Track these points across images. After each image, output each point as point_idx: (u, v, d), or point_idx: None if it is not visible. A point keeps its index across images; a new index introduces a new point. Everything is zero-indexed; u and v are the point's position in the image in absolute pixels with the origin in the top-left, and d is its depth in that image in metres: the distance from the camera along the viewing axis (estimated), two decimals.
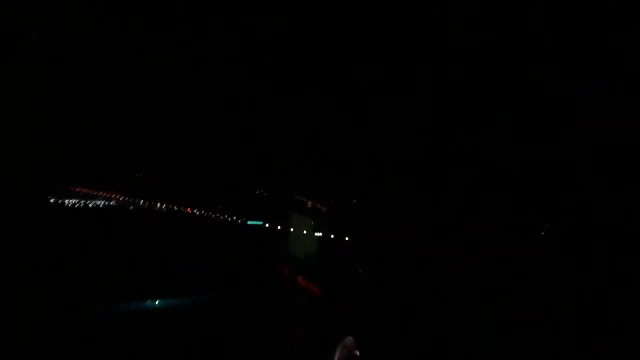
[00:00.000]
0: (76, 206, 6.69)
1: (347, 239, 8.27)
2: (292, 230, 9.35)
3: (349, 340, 5.21)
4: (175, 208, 7.58)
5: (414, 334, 6.15)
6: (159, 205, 7.31)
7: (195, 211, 8.02)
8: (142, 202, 7.06)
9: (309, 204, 7.82)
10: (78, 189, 6.10)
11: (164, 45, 4.79)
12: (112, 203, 7.07)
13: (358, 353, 5.04)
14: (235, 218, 8.76)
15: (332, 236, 8.85)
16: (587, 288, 5.81)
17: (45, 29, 4.44)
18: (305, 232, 9.21)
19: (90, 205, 6.88)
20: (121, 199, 6.76)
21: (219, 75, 5.15)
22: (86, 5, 4.40)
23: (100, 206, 7.00)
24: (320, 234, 8.91)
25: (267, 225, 9.25)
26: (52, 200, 6.41)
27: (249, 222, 9.42)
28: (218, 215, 8.29)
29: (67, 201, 6.63)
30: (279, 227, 9.28)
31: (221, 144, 5.78)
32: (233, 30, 4.70)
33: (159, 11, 4.51)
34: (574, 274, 5.86)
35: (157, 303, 5.91)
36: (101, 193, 6.48)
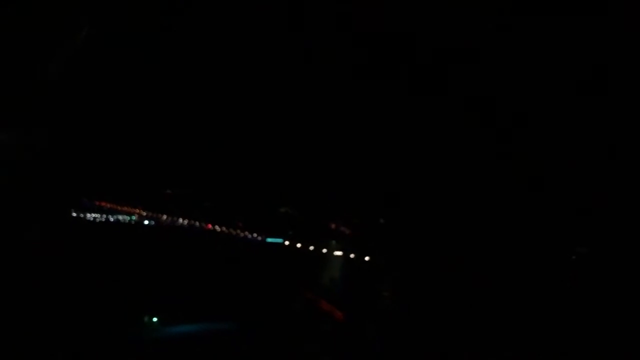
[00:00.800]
0: (95, 220, 6.75)
1: (371, 260, 8.12)
2: (315, 250, 9.26)
3: None
4: (197, 224, 7.58)
5: (439, 357, 5.98)
6: (180, 220, 7.32)
7: (217, 227, 8.01)
8: (163, 217, 7.08)
9: (332, 225, 7.74)
10: (102, 204, 6.15)
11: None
12: (131, 218, 7.11)
13: None
14: (254, 235, 8.71)
15: (356, 257, 8.70)
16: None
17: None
18: (328, 253, 9.12)
19: (108, 220, 6.93)
20: (144, 214, 6.79)
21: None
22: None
23: (117, 221, 7.05)
24: (344, 255, 8.77)
25: (289, 244, 9.17)
26: (74, 214, 6.48)
27: (268, 239, 9.35)
28: (238, 231, 8.26)
29: (88, 215, 6.69)
30: (302, 247, 9.20)
31: (253, 160, 5.79)
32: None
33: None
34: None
35: (171, 328, 5.92)
36: (124, 208, 6.52)
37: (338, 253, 9.58)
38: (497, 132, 5.80)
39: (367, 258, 8.94)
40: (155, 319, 5.79)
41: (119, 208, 6.61)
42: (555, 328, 5.89)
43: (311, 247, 9.79)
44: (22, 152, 4.98)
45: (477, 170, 6.28)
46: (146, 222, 7.43)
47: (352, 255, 9.30)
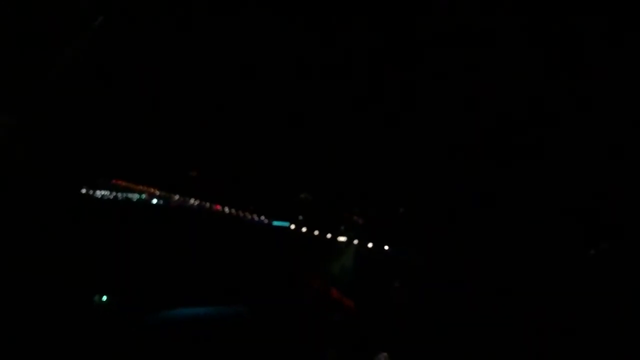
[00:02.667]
0: (107, 198, 6.55)
1: (384, 250, 8.05)
2: (320, 236, 9.17)
3: (383, 356, 5.02)
4: (207, 204, 7.39)
5: (449, 351, 5.94)
6: (191, 200, 7.13)
7: (225, 209, 7.84)
8: (175, 197, 6.89)
9: (346, 213, 7.63)
10: (117, 182, 5.94)
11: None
12: (140, 197, 6.90)
13: None
14: (261, 218, 8.57)
15: (368, 247, 8.62)
16: None
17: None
18: (335, 239, 9.03)
19: (120, 198, 6.72)
20: (157, 193, 6.58)
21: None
22: None
23: (129, 199, 6.83)
24: (356, 245, 8.68)
25: (295, 229, 9.05)
26: (89, 192, 6.26)
27: (274, 223, 9.23)
28: (246, 214, 8.10)
29: (97, 192, 6.47)
30: (307, 232, 9.09)
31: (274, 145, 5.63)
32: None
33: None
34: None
35: (187, 310, 5.79)
36: (139, 187, 6.30)
37: (342, 239, 9.53)
38: (517, 121, 5.70)
39: (375, 246, 8.89)
40: (104, 298, 5.64)
41: (134, 187, 6.39)
42: (574, 324, 5.88)
43: (316, 232, 9.72)
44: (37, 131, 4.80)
45: (498, 160, 6.18)
46: (154, 200, 7.21)
47: (357, 242, 9.25)
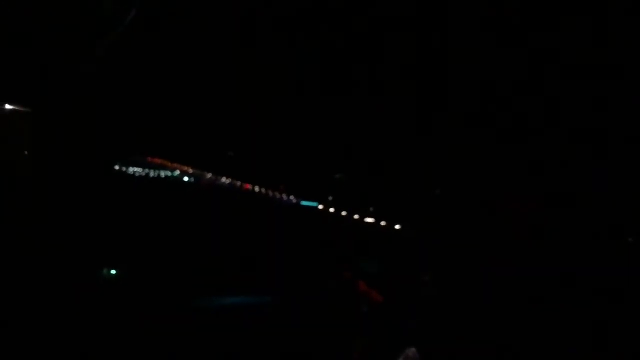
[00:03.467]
0: (135, 175, 6.56)
1: (415, 238, 7.88)
2: (348, 217, 9.06)
3: (412, 351, 4.89)
4: (238, 183, 7.34)
5: (480, 347, 5.79)
6: (223, 179, 7.08)
7: (255, 188, 7.78)
8: (207, 175, 6.85)
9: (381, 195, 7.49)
10: (154, 160, 5.91)
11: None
12: (172, 174, 6.88)
13: None
14: (290, 197, 8.50)
15: (397, 235, 8.45)
16: None
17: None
18: (362, 220, 8.90)
19: (152, 175, 6.72)
20: (190, 172, 6.55)
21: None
22: None
23: (159, 176, 6.83)
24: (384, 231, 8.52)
25: (323, 209, 8.96)
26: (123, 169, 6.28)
27: (303, 203, 9.16)
28: (275, 193, 8.04)
29: (130, 169, 6.48)
30: (336, 213, 9.00)
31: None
32: None
33: None
34: None
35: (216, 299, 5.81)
36: (174, 165, 6.27)
37: (370, 220, 9.41)
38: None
39: (404, 231, 8.73)
40: (113, 272, 5.64)
41: (168, 165, 6.37)
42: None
43: (344, 213, 9.63)
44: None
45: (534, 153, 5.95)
46: (186, 178, 7.19)
47: (384, 224, 9.12)
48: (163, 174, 6.78)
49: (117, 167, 6.29)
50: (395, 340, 5.31)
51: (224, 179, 7.13)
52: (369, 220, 9.40)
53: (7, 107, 4.87)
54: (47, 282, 4.84)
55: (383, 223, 8.98)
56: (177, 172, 6.80)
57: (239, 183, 7.39)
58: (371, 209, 8.54)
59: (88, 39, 4.44)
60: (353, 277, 6.33)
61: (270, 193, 8.05)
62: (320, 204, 9.11)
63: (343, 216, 9.26)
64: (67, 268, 5.06)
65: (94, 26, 4.37)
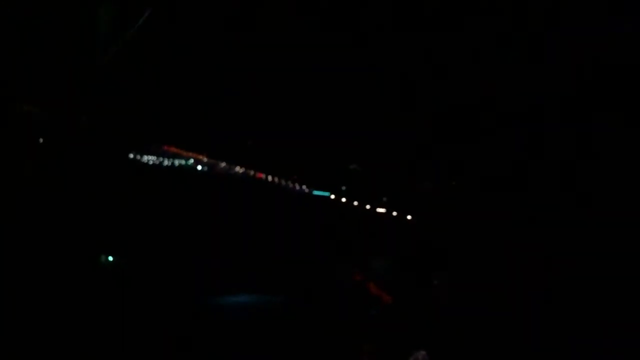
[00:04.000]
0: (148, 162, 6.53)
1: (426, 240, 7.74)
2: (359, 206, 8.99)
3: (421, 354, 4.83)
4: (251, 172, 7.29)
5: (488, 352, 5.69)
6: (237, 168, 7.03)
7: (268, 177, 7.73)
8: (221, 164, 6.80)
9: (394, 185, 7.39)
10: (170, 148, 5.87)
11: None
12: (186, 162, 6.85)
13: None
14: (303, 187, 8.45)
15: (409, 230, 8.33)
16: None
17: None
18: (373, 210, 8.81)
19: (165, 163, 6.68)
20: (205, 160, 6.50)
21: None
22: None
23: (172, 164, 6.79)
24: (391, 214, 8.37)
25: (335, 199, 8.89)
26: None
27: (315, 192, 9.10)
28: (288, 183, 7.99)
29: (144, 157, 6.46)
30: (347, 202, 8.93)
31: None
32: None
33: None
34: None
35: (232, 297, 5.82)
36: (188, 153, 6.22)
37: (381, 210, 9.32)
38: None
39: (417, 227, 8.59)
40: (110, 258, 5.64)
41: (183, 153, 6.33)
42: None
43: (355, 202, 9.56)
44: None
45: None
46: (199, 167, 7.15)
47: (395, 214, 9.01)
48: (178, 162, 6.75)
49: (131, 156, 6.27)
50: (405, 342, 5.28)
51: (237, 168, 7.09)
52: (380, 210, 9.33)
53: None
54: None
55: (394, 213, 8.89)
56: (191, 161, 6.76)
57: (252, 172, 7.35)
58: (384, 199, 8.46)
59: (104, 36, 4.43)
60: (363, 278, 6.30)
61: (283, 182, 8.01)
62: (332, 193, 9.06)
63: (354, 206, 9.20)
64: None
65: (110, 23, 4.37)
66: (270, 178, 7.80)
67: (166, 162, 6.58)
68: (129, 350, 4.62)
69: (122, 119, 5.01)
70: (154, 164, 6.63)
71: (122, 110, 4.93)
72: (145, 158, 6.50)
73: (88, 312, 4.71)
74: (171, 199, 6.28)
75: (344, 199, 9.48)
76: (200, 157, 6.55)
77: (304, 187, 8.43)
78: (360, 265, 6.86)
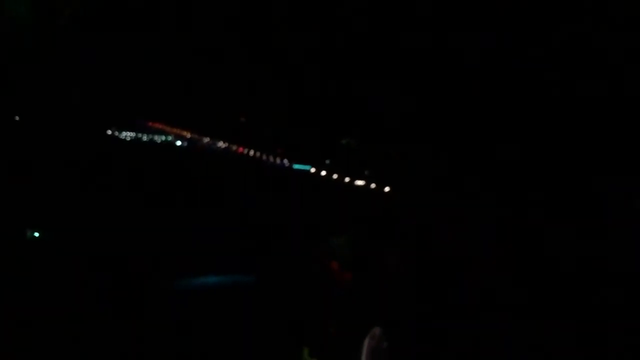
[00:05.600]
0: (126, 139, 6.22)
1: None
2: (339, 180, 8.89)
3: (377, 330, 4.83)
4: (233, 147, 7.04)
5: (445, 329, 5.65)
6: (219, 143, 6.77)
7: (249, 151, 7.48)
8: (204, 140, 6.52)
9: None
10: (154, 124, 5.56)
11: None
12: (165, 139, 6.54)
13: (385, 344, 4.66)
14: (283, 161, 8.23)
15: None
16: None
17: None
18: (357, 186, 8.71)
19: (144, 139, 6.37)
20: (188, 136, 6.21)
21: None
22: None
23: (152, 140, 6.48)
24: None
25: (315, 172, 8.75)
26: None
27: (295, 166, 8.91)
28: (270, 157, 7.76)
29: (123, 134, 6.13)
30: (327, 176, 8.80)
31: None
32: None
33: None
34: None
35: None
36: (173, 130, 5.92)
37: (360, 182, 9.25)
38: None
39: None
40: (36, 234, 5.45)
41: (168, 129, 6.02)
42: None
43: (335, 176, 9.45)
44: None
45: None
46: (179, 142, 6.84)
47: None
48: (158, 138, 6.42)
49: (109, 132, 5.91)
50: (365, 320, 5.23)
51: (220, 143, 6.82)
52: (359, 182, 9.26)
53: None
54: None
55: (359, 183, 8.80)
56: (172, 137, 6.45)
57: (233, 147, 7.09)
58: (366, 172, 8.38)
59: None
60: (326, 257, 6.20)
61: (265, 157, 7.78)
62: (314, 167, 8.89)
63: (332, 179, 9.09)
64: None
65: None
66: (252, 152, 7.57)
67: (144, 138, 6.26)
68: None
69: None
70: (131, 140, 6.29)
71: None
72: (124, 134, 6.15)
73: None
74: (132, 174, 5.96)
75: (323, 172, 9.37)
76: (183, 133, 6.27)
77: (285, 160, 8.24)
78: (324, 243, 6.73)
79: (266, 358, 4.94)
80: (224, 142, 6.78)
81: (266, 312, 5.60)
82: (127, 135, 6.22)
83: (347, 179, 9.68)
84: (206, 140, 6.61)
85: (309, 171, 9.79)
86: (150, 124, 5.64)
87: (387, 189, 9.38)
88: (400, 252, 6.75)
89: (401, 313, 5.67)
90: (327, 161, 8.15)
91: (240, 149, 7.77)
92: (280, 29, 4.70)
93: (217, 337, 5.09)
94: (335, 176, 9.68)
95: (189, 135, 6.29)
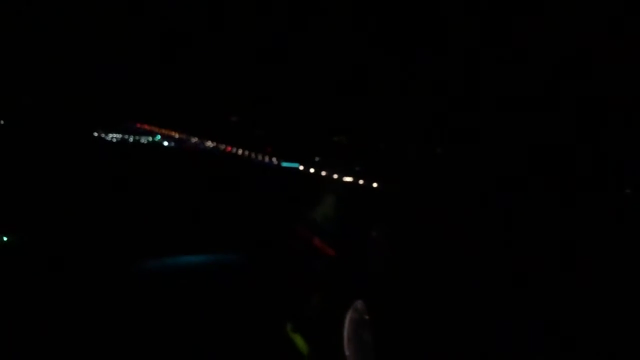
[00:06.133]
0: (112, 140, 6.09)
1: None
2: (326, 177, 8.83)
3: (359, 303, 4.90)
4: (221, 147, 6.92)
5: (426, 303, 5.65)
6: (208, 142, 6.65)
7: (236, 150, 7.37)
8: (192, 139, 6.39)
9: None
10: (144, 126, 5.42)
11: None
12: (153, 139, 6.41)
13: (367, 317, 4.74)
14: (272, 159, 8.14)
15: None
16: None
17: None
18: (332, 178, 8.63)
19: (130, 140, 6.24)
20: (176, 136, 6.08)
21: None
22: None
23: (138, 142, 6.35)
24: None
25: (304, 170, 8.67)
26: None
27: (284, 164, 8.83)
28: (258, 155, 7.66)
29: (109, 136, 6.00)
30: (315, 173, 8.73)
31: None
32: None
33: None
34: None
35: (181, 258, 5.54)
36: (162, 130, 5.79)
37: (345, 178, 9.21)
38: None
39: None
40: (5, 238, 5.36)
41: (157, 130, 5.88)
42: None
43: (323, 173, 9.39)
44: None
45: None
46: (165, 143, 6.70)
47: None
48: (144, 139, 6.27)
49: (95, 134, 5.74)
50: (347, 294, 5.22)
51: (208, 143, 6.69)
52: (347, 179, 9.21)
53: None
54: None
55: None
56: (159, 138, 6.31)
57: (222, 146, 6.97)
58: (357, 169, 8.33)
59: None
60: (308, 233, 6.18)
61: (253, 155, 7.67)
62: (302, 165, 8.81)
63: (320, 176, 9.04)
64: None
65: None
66: (240, 151, 7.45)
67: (130, 139, 6.12)
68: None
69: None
70: (117, 142, 6.14)
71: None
72: (110, 136, 5.99)
73: None
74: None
75: (312, 170, 9.30)
76: (172, 133, 6.13)
77: (273, 159, 8.14)
78: (306, 219, 6.69)
79: (250, 334, 4.89)
80: (211, 142, 6.67)
81: (249, 289, 5.55)
82: (114, 137, 6.08)
83: (335, 176, 9.67)
84: (194, 140, 6.50)
85: (297, 168, 9.73)
86: (138, 125, 5.51)
87: (375, 184, 9.39)
88: (384, 228, 6.76)
89: (382, 286, 5.66)
90: (317, 159, 8.11)
91: (229, 148, 7.68)
92: (269, 26, 4.62)
93: (198, 317, 4.96)
94: (323, 173, 9.65)
95: (177, 136, 6.18)
